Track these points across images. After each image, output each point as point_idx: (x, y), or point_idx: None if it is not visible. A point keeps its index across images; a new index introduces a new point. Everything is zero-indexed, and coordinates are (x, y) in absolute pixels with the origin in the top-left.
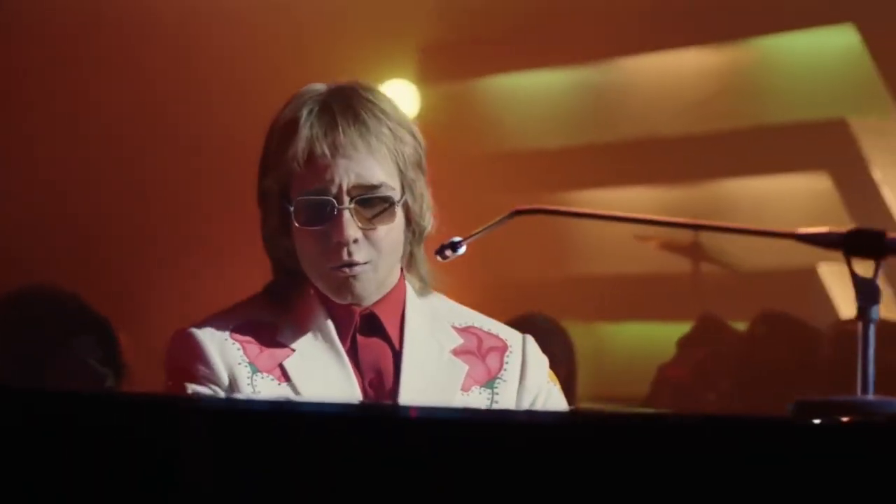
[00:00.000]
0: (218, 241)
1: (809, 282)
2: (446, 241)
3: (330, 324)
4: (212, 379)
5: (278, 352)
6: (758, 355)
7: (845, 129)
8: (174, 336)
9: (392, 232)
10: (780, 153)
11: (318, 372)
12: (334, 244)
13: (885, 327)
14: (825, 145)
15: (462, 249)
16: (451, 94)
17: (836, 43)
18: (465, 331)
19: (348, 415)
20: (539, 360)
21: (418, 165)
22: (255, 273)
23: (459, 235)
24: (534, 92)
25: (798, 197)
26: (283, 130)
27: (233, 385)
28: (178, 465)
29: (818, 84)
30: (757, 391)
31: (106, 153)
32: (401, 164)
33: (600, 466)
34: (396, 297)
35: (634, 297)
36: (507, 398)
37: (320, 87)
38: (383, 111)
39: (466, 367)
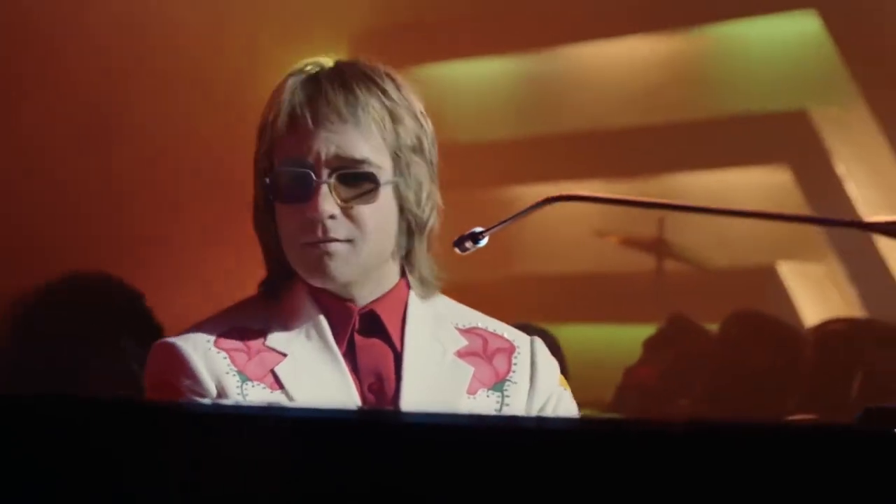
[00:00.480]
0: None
1: (769, 281)
2: (466, 232)
3: (324, 323)
4: (198, 392)
5: (269, 357)
6: (732, 358)
7: (806, 121)
8: (153, 350)
9: (377, 214)
10: (737, 146)
11: (313, 377)
12: (308, 219)
13: (878, 329)
14: (785, 137)
15: (484, 241)
16: None
17: (797, 30)
18: (469, 332)
19: (346, 420)
20: (549, 363)
21: (417, 151)
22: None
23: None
24: (472, 82)
25: (756, 192)
26: (273, 98)
27: (221, 397)
28: (167, 471)
29: (777, 73)
30: (733, 396)
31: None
32: (392, 144)
33: (615, 476)
34: (397, 296)
35: (593, 297)
36: (517, 401)
37: (325, 60)
38: (381, 88)
39: (472, 370)
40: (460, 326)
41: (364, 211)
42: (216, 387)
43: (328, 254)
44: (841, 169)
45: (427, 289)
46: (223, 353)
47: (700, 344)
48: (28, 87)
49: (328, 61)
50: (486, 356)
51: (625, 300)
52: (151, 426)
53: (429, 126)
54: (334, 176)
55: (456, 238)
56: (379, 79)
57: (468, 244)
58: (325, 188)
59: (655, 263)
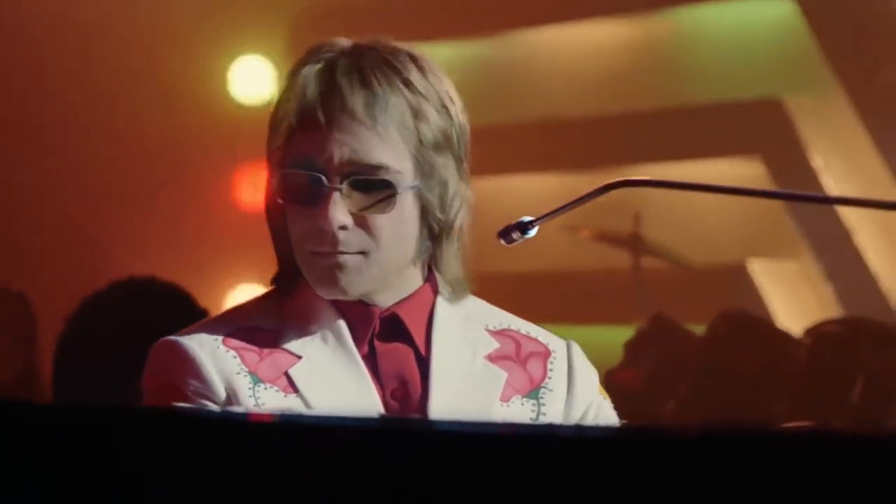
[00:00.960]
0: None
1: (741, 279)
2: (513, 222)
3: (342, 325)
4: (205, 394)
5: (282, 359)
6: (720, 360)
7: (780, 110)
8: (155, 349)
9: (394, 223)
10: (706, 136)
11: (331, 381)
12: (317, 228)
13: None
14: (757, 128)
15: (533, 231)
16: None
17: (770, 13)
18: (500, 334)
19: (371, 429)
20: (588, 369)
21: (441, 147)
22: None
23: None
24: None
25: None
26: (287, 86)
27: (231, 399)
28: (183, 482)
29: (749, 59)
30: (721, 400)
31: None
32: (413, 145)
33: (661, 490)
34: (423, 299)
35: (565, 296)
36: (554, 410)
37: (344, 42)
38: (403, 79)
39: (505, 375)
40: (491, 328)
41: (379, 221)
42: (226, 389)
43: (338, 266)
44: (817, 161)
45: (458, 291)
46: (233, 352)
47: (684, 345)
48: None
49: (345, 43)
50: (519, 360)
51: (600, 298)
52: (162, 434)
53: (458, 113)
54: (347, 182)
55: (501, 228)
56: (401, 67)
57: (515, 235)
58: (336, 196)
59: (630, 260)
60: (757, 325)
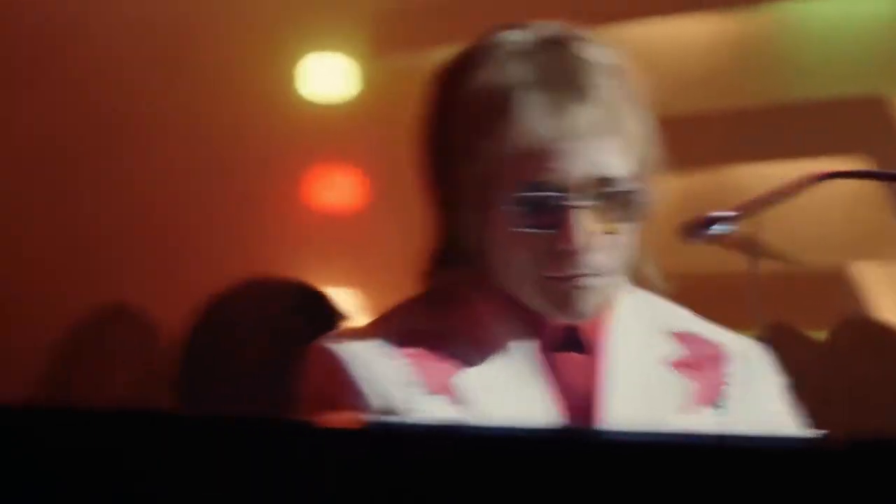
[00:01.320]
0: None
1: (845, 283)
2: (712, 215)
3: (520, 334)
4: (362, 406)
5: (448, 367)
6: (841, 370)
7: (884, 108)
8: (312, 352)
9: (630, 233)
10: (807, 134)
11: (502, 393)
12: (558, 251)
13: None
14: (860, 126)
15: (726, 226)
16: (407, 69)
17: (873, 8)
18: (682, 337)
19: (545, 439)
20: (771, 375)
21: (649, 136)
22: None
23: (421, 236)
24: None
25: (829, 185)
26: (487, 101)
27: (390, 409)
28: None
29: (852, 56)
30: (843, 411)
31: None
32: (638, 144)
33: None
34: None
35: (677, 301)
36: (734, 419)
37: (519, 37)
38: (616, 75)
39: (689, 383)
40: (672, 331)
41: (622, 235)
42: (383, 399)
43: (580, 289)
44: None
45: (641, 281)
46: (398, 361)
47: (806, 354)
48: (28, 90)
49: (520, 38)
50: (700, 367)
51: (715, 304)
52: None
53: (639, 90)
54: (591, 199)
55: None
56: (605, 61)
57: (714, 228)
58: (579, 215)
59: (750, 264)
60: (883, 332)
